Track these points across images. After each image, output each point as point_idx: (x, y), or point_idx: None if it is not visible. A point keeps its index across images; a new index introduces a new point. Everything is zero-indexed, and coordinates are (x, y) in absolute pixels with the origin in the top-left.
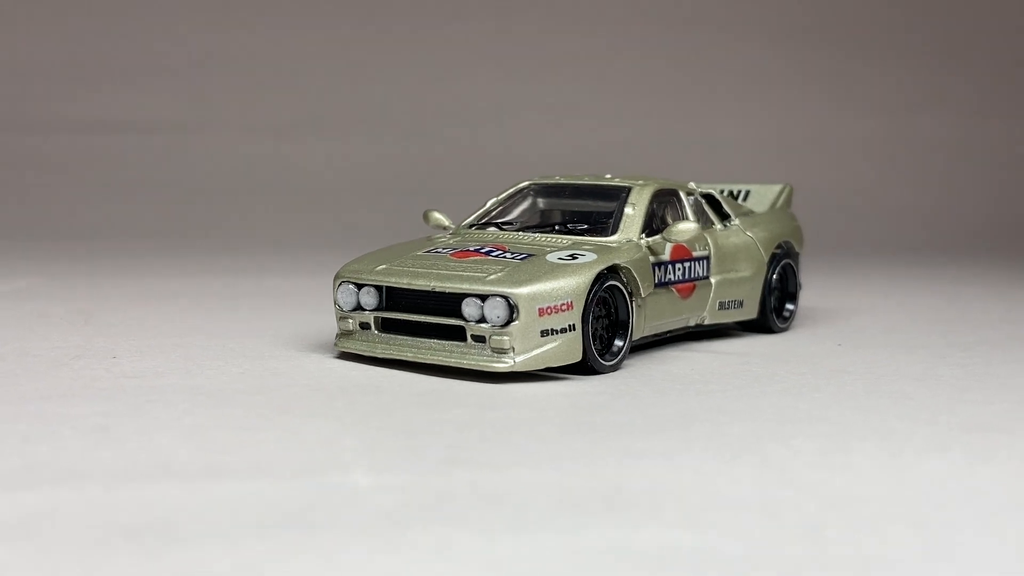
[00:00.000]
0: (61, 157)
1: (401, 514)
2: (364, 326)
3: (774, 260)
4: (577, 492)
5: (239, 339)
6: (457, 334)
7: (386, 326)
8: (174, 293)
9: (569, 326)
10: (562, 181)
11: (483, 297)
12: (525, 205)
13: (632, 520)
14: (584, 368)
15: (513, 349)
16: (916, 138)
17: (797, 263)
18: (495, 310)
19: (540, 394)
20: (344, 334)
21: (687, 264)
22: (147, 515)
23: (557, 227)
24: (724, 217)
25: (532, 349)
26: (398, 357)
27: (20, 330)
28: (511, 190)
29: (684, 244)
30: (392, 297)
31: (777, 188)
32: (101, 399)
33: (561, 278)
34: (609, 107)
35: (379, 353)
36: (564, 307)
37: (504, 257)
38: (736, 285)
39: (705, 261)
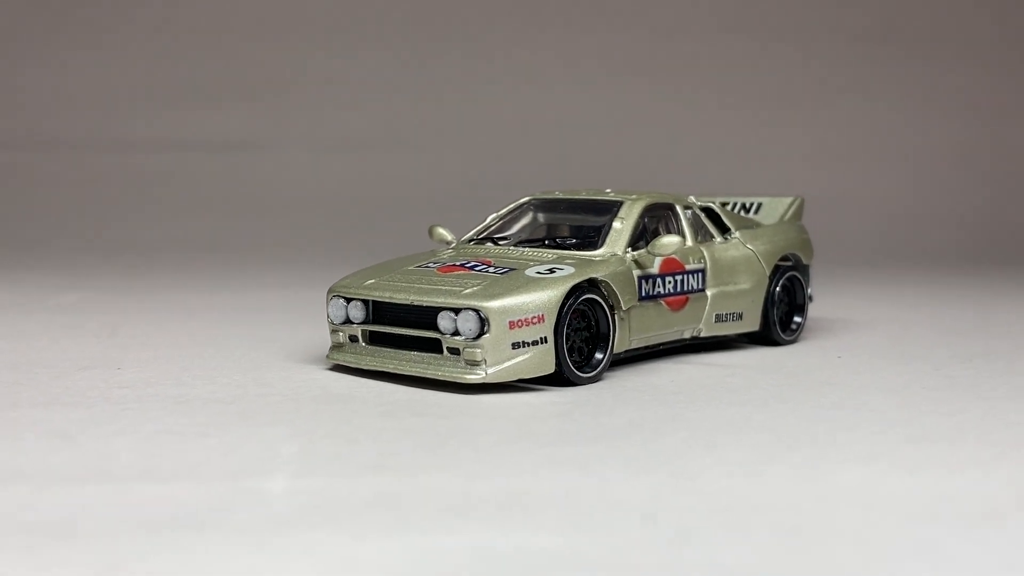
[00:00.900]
0: (137, 175)
1: (290, 517)
2: (353, 339)
3: (777, 272)
4: (473, 498)
5: (247, 351)
6: (435, 346)
7: (373, 339)
8: (207, 306)
9: (541, 338)
10: (560, 196)
11: (456, 310)
12: (525, 220)
13: (508, 525)
14: (561, 380)
15: (485, 361)
16: (972, 145)
17: (806, 275)
18: (467, 323)
19: (504, 404)
20: (336, 346)
21: (679, 277)
22: (51, 514)
23: (547, 242)
24: (724, 230)
25: (504, 361)
26: (382, 369)
27: (46, 342)
28: (512, 205)
29: (675, 257)
30: (378, 311)
31: (787, 200)
32: (82, 407)
33: (533, 292)
34: (654, 118)
35: (365, 365)
36: (535, 320)
37: (487, 271)
38: (734, 298)
39: (700, 274)
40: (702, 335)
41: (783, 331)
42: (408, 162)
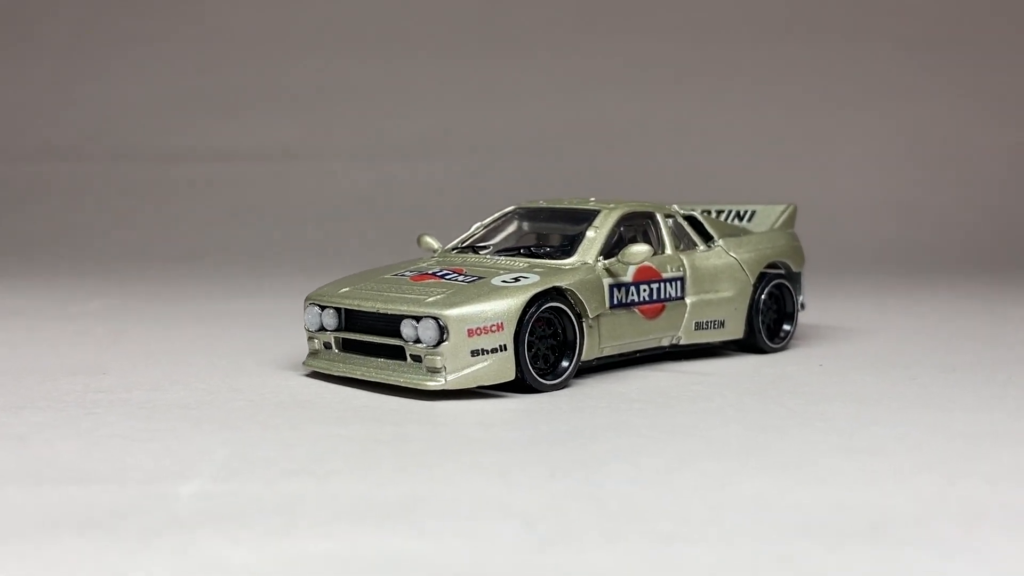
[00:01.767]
0: (177, 184)
1: (182, 520)
2: (328, 346)
3: (763, 280)
4: (372, 503)
5: (236, 357)
6: (401, 354)
7: (346, 346)
8: (220, 313)
9: (500, 346)
10: (544, 205)
11: (418, 318)
12: (509, 229)
13: (388, 531)
14: (525, 387)
15: (445, 368)
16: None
17: (797, 283)
18: (427, 331)
19: (457, 411)
20: (312, 353)
21: (654, 285)
22: None
23: (523, 250)
24: (707, 238)
25: (463, 368)
26: (351, 375)
27: (47, 347)
28: (497, 214)
29: (651, 266)
30: (350, 318)
31: (780, 208)
32: (51, 411)
33: (493, 300)
34: (686, 124)
35: (337, 371)
36: (494, 328)
37: (456, 280)
38: (715, 306)
39: (678, 282)
40: (682, 343)
41: (772, 339)
42: (444, 169)
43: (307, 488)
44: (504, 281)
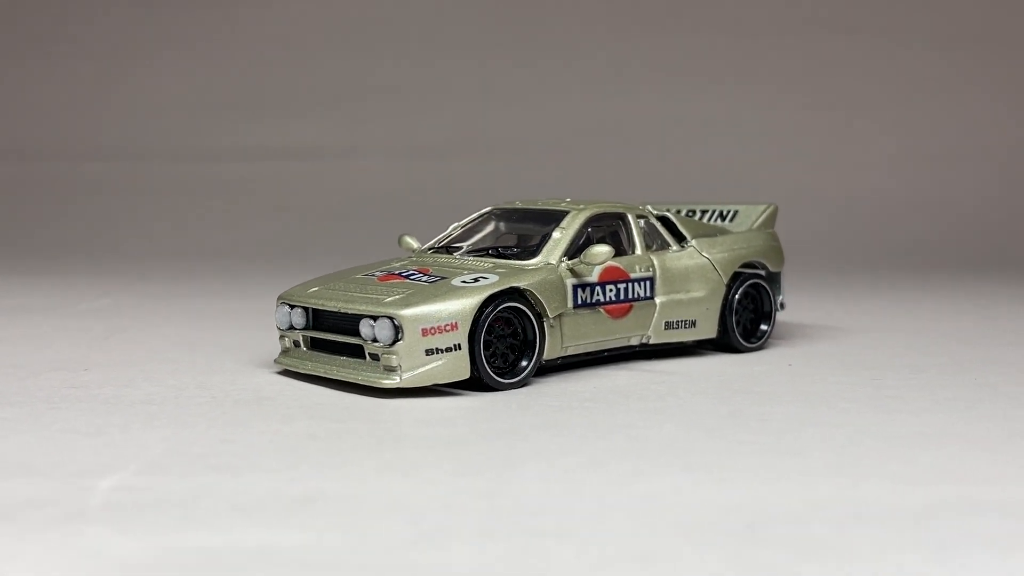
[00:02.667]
0: (218, 183)
1: (85, 511)
2: (297, 344)
3: (737, 280)
4: (273, 497)
5: (217, 355)
6: (362, 352)
7: (314, 344)
8: (224, 311)
9: (455, 345)
10: (519, 206)
11: (375, 318)
12: (486, 229)
13: (271, 523)
14: (484, 385)
15: (400, 366)
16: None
17: (774, 283)
18: (383, 330)
19: (406, 409)
20: (283, 351)
21: (621, 285)
22: None
23: (491, 251)
24: (681, 239)
25: (418, 367)
26: (316, 373)
27: (41, 343)
28: (475, 214)
29: (619, 266)
30: (317, 318)
31: (760, 208)
32: (17, 407)
33: (449, 300)
34: (754, 122)
35: (304, 369)
36: (448, 328)
37: (420, 280)
38: (686, 305)
39: (648, 282)
40: (651, 342)
41: (749, 338)
42: (477, 167)
43: (221, 483)
44: (464, 281)
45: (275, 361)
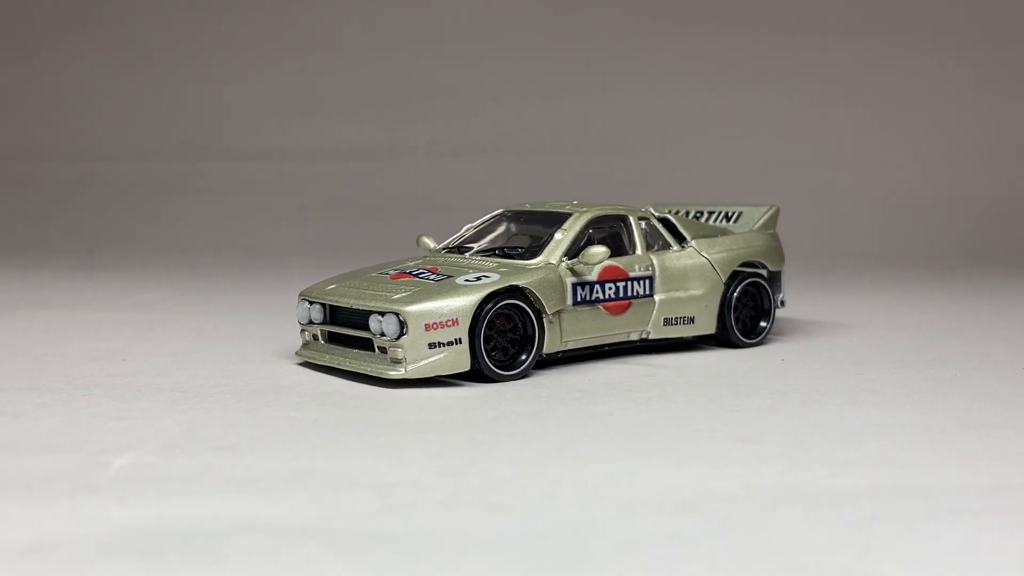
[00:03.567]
0: (270, 182)
1: (94, 484)
2: (316, 337)
3: (736, 279)
4: (263, 474)
5: (249, 347)
6: (372, 345)
7: (331, 338)
8: (265, 305)
9: (456, 339)
10: (528, 208)
11: (383, 314)
12: (498, 230)
13: (254, 497)
14: (483, 377)
15: (405, 359)
16: None
17: (774, 281)
18: (389, 325)
19: (408, 397)
20: (304, 345)
21: (620, 284)
22: None
23: (498, 251)
24: (681, 239)
25: (421, 359)
26: (332, 364)
27: (87, 334)
28: (487, 216)
29: (618, 266)
30: (333, 313)
31: (762, 210)
32: (58, 392)
33: (451, 298)
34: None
35: (322, 361)
36: (450, 323)
37: (428, 279)
38: (685, 303)
39: (647, 281)
40: (651, 337)
41: (749, 335)
42: (524, 167)
43: (222, 461)
44: (467, 280)
45: (296, 353)
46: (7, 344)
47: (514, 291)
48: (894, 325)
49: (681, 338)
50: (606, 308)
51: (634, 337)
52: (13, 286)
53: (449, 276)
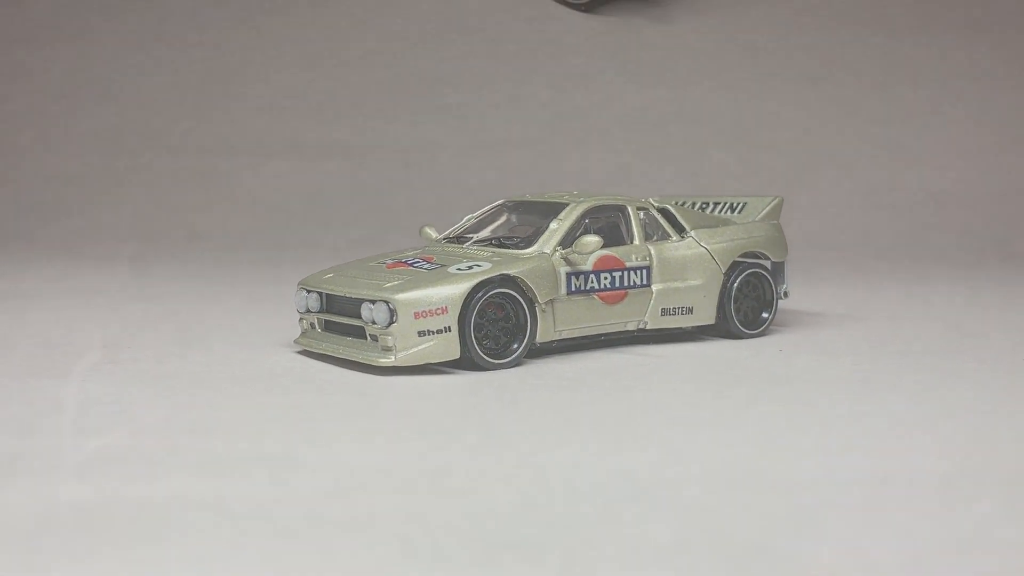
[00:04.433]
0: (311, 179)
1: (59, 465)
2: (313, 326)
3: (736, 269)
4: (229, 456)
5: (251, 336)
6: (364, 333)
7: (328, 326)
8: (272, 296)
9: (445, 328)
10: (527, 199)
11: (374, 301)
12: (498, 220)
13: (214, 476)
14: (476, 366)
15: (395, 347)
16: None
17: (777, 272)
18: (380, 313)
19: (396, 384)
20: (302, 333)
21: (616, 274)
22: None
23: (494, 241)
24: (680, 230)
25: (411, 347)
26: (327, 352)
27: (98, 323)
28: (488, 207)
29: (614, 255)
30: (329, 301)
31: (766, 200)
32: (54, 378)
33: (441, 286)
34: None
35: (318, 349)
36: (439, 311)
37: (421, 267)
38: (683, 293)
39: (644, 271)
40: (648, 327)
41: (750, 326)
42: (554, 160)
43: (194, 443)
44: (459, 269)
45: (295, 341)
46: (16, 332)
47: (506, 280)
48: (903, 316)
49: (681, 328)
50: (601, 297)
51: (631, 327)
52: (32, 277)
53: (442, 265)
